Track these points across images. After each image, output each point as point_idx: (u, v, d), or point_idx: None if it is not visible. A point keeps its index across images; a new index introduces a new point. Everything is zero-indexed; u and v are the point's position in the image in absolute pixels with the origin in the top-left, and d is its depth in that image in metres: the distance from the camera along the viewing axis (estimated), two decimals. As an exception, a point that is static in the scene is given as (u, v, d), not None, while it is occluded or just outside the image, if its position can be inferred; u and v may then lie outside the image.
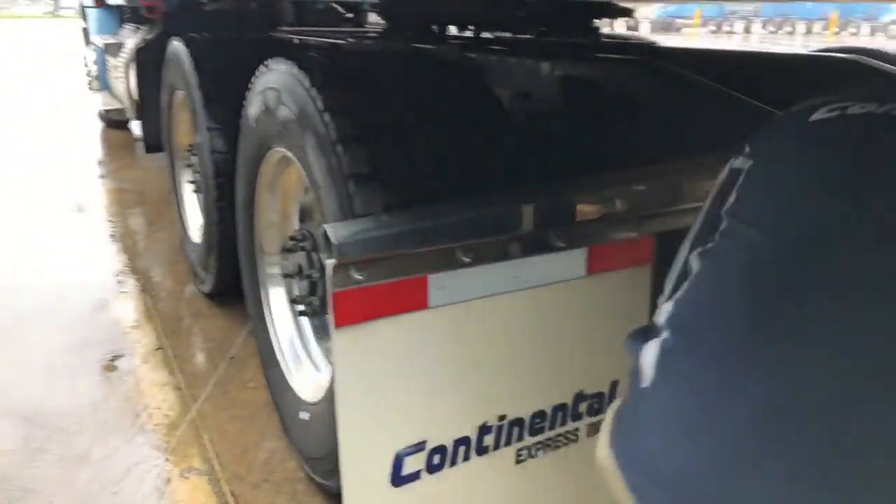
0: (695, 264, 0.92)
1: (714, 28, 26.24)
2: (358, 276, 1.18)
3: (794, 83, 1.84)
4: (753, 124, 1.72)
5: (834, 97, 0.92)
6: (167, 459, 2.04)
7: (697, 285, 0.90)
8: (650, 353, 0.89)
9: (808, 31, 24.51)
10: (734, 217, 0.90)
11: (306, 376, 1.96)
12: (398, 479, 1.33)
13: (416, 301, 1.26)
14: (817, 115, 0.89)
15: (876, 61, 2.30)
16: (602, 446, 0.95)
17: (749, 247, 0.86)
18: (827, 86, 1.72)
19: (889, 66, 2.29)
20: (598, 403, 1.53)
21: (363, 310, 1.20)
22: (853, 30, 23.55)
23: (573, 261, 1.40)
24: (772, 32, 25.26)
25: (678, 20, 25.75)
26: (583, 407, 1.51)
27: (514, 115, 2.15)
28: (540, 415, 1.46)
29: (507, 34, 3.17)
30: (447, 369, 1.32)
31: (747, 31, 25.80)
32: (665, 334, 0.89)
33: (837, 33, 23.76)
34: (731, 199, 0.91)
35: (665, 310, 0.92)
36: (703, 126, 1.74)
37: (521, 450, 1.46)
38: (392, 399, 1.28)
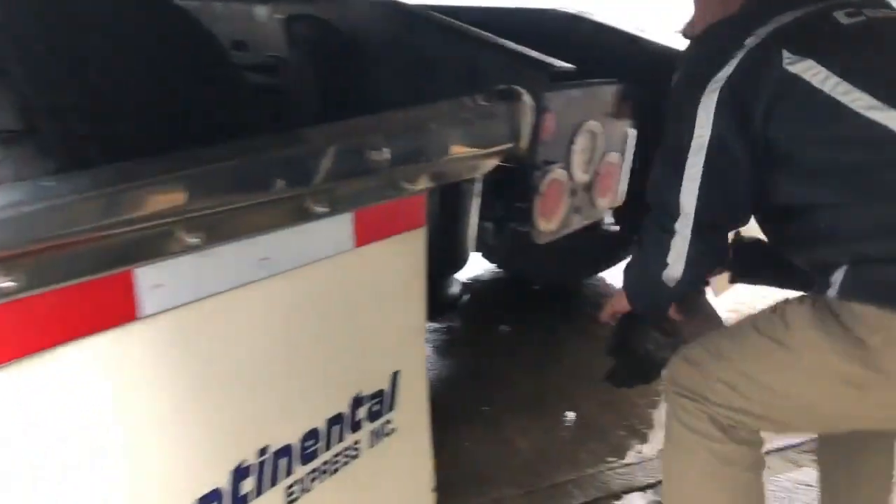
0: None
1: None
2: (5, 283, 0.71)
3: (521, 34, 1.73)
4: (502, 67, 1.58)
5: (831, 4, 1.09)
6: None
7: None
8: None
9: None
10: None
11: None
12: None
13: (117, 311, 0.83)
14: (844, 20, 1.07)
15: (566, 16, 2.33)
16: None
17: None
18: (540, 36, 1.53)
19: (577, 21, 2.33)
20: (378, 405, 1.24)
21: (21, 339, 0.73)
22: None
23: (337, 230, 1.08)
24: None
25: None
26: (362, 413, 1.21)
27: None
28: (312, 435, 1.12)
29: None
30: (179, 404, 0.92)
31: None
32: None
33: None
34: (852, 96, 1.00)
35: None
36: (453, 68, 1.53)
37: (291, 487, 1.10)
38: (90, 469, 0.84)
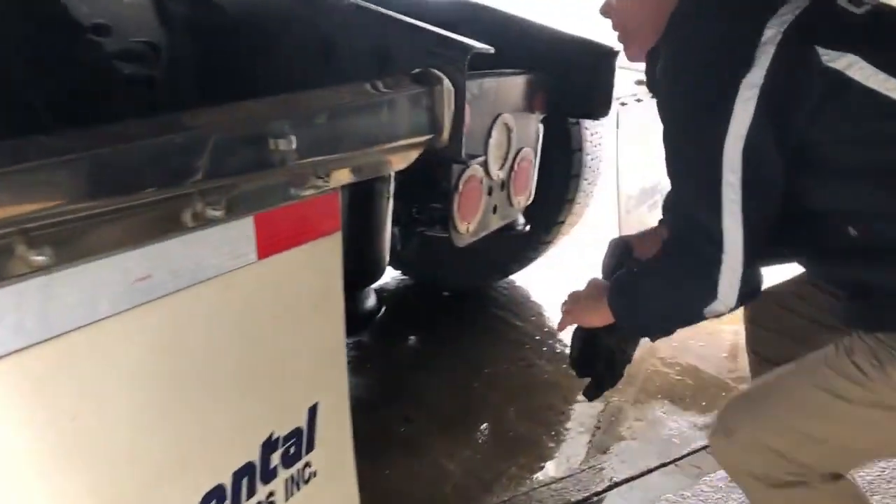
0: None
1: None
2: None
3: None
4: (415, 49, 1.42)
5: None
6: None
7: None
8: None
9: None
10: None
11: None
12: None
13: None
14: (853, 9, 0.99)
15: (473, 6, 2.21)
16: None
17: None
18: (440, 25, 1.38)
19: (484, 10, 2.22)
20: (295, 446, 1.04)
21: None
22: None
23: (236, 240, 0.87)
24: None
25: None
26: (276, 458, 1.00)
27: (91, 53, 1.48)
28: (215, 494, 0.90)
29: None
30: (31, 479, 0.68)
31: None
32: None
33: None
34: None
35: None
36: (360, 50, 1.36)
37: (192, 561, 0.89)
38: None
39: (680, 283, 1.07)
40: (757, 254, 1.00)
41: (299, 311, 1.00)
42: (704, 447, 1.89)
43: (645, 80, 1.21)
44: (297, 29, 1.33)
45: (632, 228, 2.65)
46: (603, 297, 1.15)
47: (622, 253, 1.29)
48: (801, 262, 1.16)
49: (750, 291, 1.02)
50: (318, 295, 1.03)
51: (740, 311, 1.43)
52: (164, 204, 0.78)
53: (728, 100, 0.94)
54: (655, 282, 1.11)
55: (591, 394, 1.31)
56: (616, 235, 1.50)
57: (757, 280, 1.04)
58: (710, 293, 1.00)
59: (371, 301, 1.55)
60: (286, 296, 0.97)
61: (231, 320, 0.89)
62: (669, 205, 1.07)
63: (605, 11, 1.23)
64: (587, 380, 1.34)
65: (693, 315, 1.06)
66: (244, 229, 0.87)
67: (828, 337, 1.08)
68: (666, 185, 3.16)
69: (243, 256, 0.88)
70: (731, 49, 0.96)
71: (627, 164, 2.69)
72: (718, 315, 1.05)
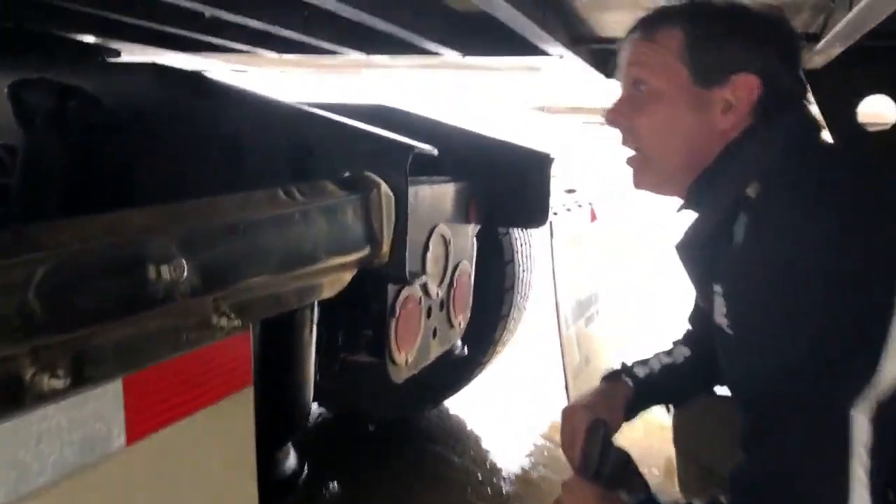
0: None
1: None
2: None
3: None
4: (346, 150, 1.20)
5: None
6: None
7: None
8: None
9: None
10: None
11: None
12: None
13: None
14: None
15: (399, 112, 2.09)
16: None
17: None
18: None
19: (409, 116, 2.10)
20: None
21: None
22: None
23: (90, 419, 0.57)
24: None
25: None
26: None
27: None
28: None
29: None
30: None
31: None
32: None
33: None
34: None
35: None
36: (278, 154, 1.12)
37: None
38: None
39: None
40: None
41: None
42: None
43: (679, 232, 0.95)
44: (194, 128, 1.08)
45: (573, 346, 2.47)
46: None
47: (603, 439, 1.04)
48: None
49: None
50: (220, 479, 0.73)
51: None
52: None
53: (876, 347, 0.72)
54: None
55: None
56: (576, 409, 1.21)
57: None
58: None
59: (291, 461, 1.23)
60: (173, 489, 0.67)
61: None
62: (746, 468, 0.78)
63: (614, 120, 0.92)
64: None
65: None
66: (105, 402, 0.58)
67: None
68: (601, 296, 3.00)
69: (103, 443, 0.58)
70: (874, 281, 0.73)
71: (564, 277, 2.54)
72: None
